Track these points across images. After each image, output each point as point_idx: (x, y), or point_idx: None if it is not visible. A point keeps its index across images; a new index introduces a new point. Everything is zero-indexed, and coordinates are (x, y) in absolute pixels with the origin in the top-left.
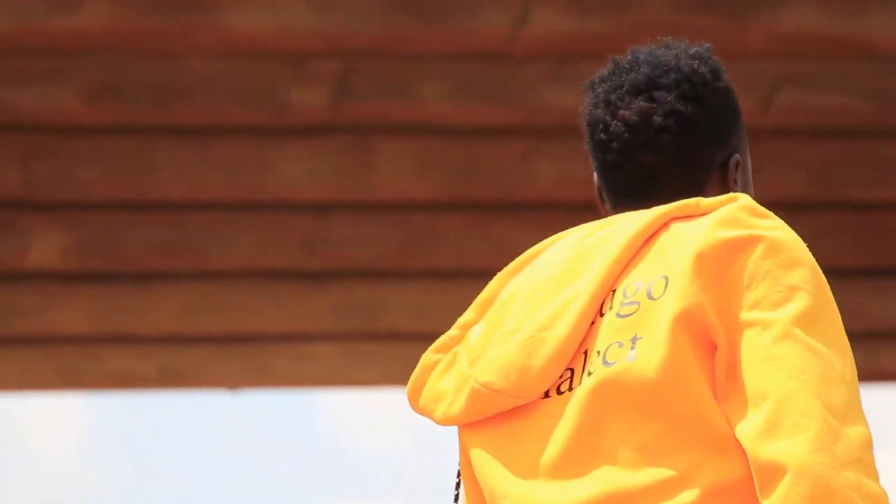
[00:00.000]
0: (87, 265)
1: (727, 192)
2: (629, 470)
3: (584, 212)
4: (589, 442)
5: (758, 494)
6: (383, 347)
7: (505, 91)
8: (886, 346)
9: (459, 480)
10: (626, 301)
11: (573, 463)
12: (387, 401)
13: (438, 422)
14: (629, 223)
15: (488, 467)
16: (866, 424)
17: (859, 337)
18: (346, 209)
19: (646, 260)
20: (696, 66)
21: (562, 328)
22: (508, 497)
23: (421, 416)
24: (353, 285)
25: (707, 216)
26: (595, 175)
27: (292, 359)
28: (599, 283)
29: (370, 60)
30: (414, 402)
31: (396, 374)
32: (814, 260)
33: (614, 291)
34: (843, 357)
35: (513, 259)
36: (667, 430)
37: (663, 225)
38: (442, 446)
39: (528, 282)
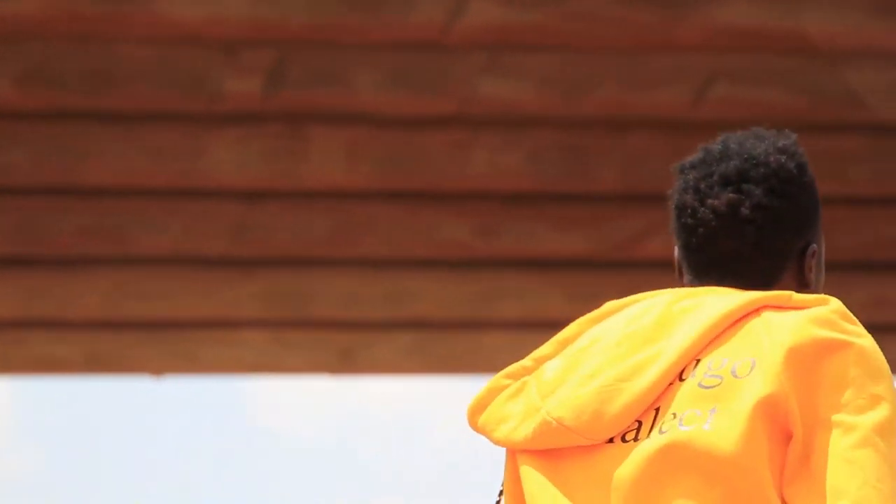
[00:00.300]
0: (14, 250)
1: (803, 278)
2: None
3: (516, 203)
4: (647, 494)
5: None
6: (311, 335)
7: (439, 81)
8: None
9: (500, 499)
10: (710, 374)
11: None
12: (314, 388)
13: (496, 442)
14: (722, 301)
15: (543, 494)
16: None
17: None
18: (276, 197)
19: (734, 339)
20: (783, 160)
21: (642, 383)
22: None
23: (468, 427)
24: (282, 273)
25: (800, 311)
26: (676, 251)
27: (219, 345)
28: (685, 350)
29: (303, 49)
30: (475, 418)
31: (324, 361)
32: (890, 371)
33: (698, 361)
34: None
35: (449, 252)
36: (725, 499)
37: (755, 310)
38: (368, 431)
39: (610, 332)
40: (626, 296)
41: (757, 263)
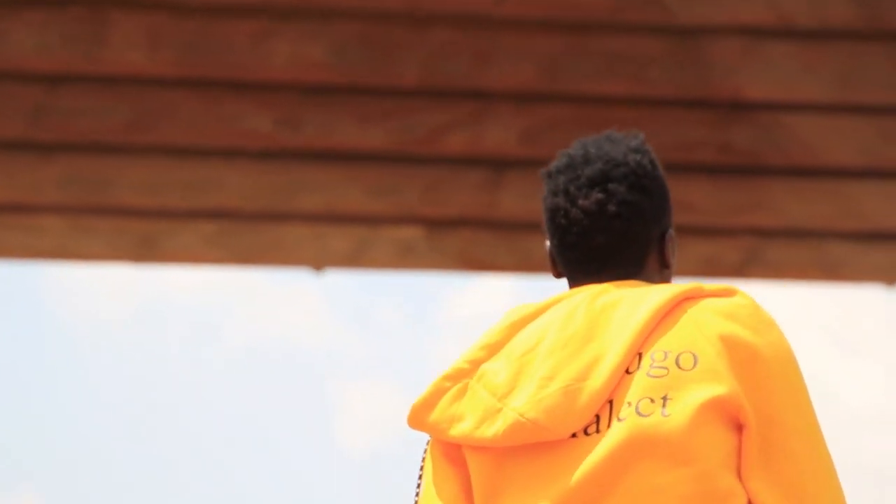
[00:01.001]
0: None
1: (664, 259)
2: (643, 501)
3: (319, 95)
4: (611, 477)
5: None
6: (111, 222)
7: None
8: None
9: (419, 491)
10: (656, 365)
11: (594, 491)
12: (111, 275)
13: (452, 438)
14: (645, 299)
15: (506, 491)
16: None
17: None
18: (76, 81)
19: (669, 334)
20: (639, 159)
21: (598, 380)
22: None
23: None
24: (82, 158)
25: (719, 303)
26: (549, 247)
27: (17, 231)
28: (628, 347)
29: None
30: (422, 417)
31: (123, 248)
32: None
33: (640, 355)
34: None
35: (251, 143)
36: (684, 480)
37: (677, 304)
38: (167, 320)
39: (548, 335)
40: (426, 190)
41: (626, 252)
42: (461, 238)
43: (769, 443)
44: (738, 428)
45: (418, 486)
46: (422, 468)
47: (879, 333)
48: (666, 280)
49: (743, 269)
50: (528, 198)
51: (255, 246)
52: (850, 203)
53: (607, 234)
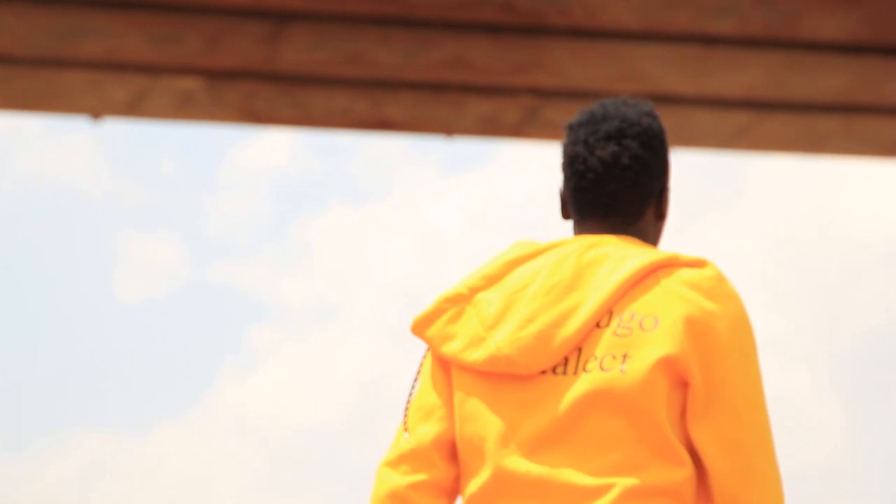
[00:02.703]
0: None
1: (660, 211)
2: (595, 447)
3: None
4: (572, 421)
5: None
6: None
7: None
8: (390, 96)
9: (415, 385)
10: (622, 326)
11: (552, 433)
12: None
13: (442, 354)
14: (626, 262)
15: (481, 409)
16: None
17: (366, 85)
18: None
19: (639, 298)
20: (650, 122)
21: (569, 329)
22: (497, 436)
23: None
24: None
25: (689, 272)
26: (564, 191)
27: None
28: (601, 304)
29: None
30: (421, 329)
31: None
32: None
33: (611, 313)
34: (769, 416)
35: None
36: (634, 428)
37: (652, 271)
38: None
39: (537, 278)
40: (207, 41)
41: (630, 200)
42: (241, 90)
43: (716, 400)
44: (684, 385)
45: (413, 385)
46: (418, 371)
47: None
48: (659, 229)
49: (521, 128)
50: (310, 51)
51: (32, 92)
52: (629, 66)
53: (618, 183)
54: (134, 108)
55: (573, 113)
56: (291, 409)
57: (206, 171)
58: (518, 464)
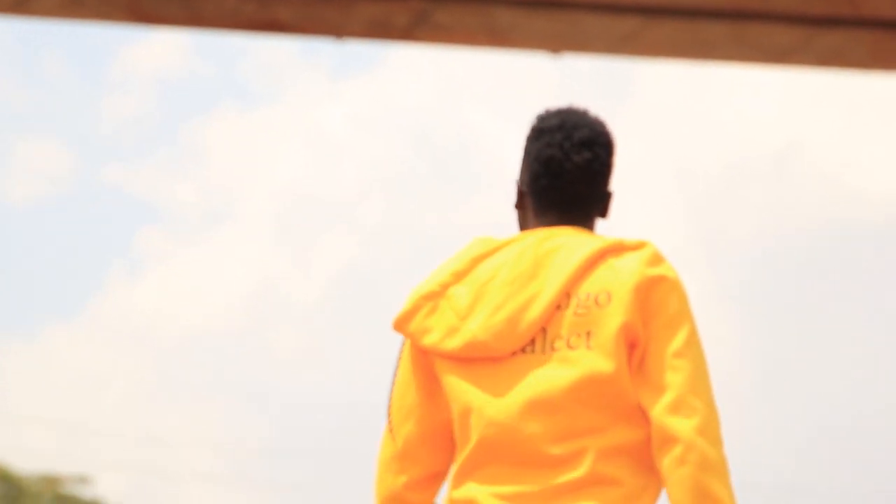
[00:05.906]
0: None
1: (604, 211)
2: (568, 415)
3: None
4: (544, 393)
5: (654, 450)
6: None
7: None
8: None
9: (395, 376)
10: (581, 306)
11: (529, 405)
12: None
13: (424, 346)
14: (578, 250)
15: (464, 389)
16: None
17: None
18: None
19: (592, 278)
20: (609, 131)
21: (534, 312)
22: (479, 410)
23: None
24: None
25: (632, 254)
26: (522, 184)
27: None
28: (560, 288)
29: None
30: (402, 325)
31: None
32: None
33: (569, 295)
34: (706, 363)
35: None
36: (603, 395)
37: (601, 256)
38: None
39: (502, 271)
40: None
41: (588, 201)
42: None
43: (660, 358)
44: (635, 346)
45: (392, 380)
46: (398, 359)
47: (543, 103)
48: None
49: (411, 31)
50: None
51: None
52: None
53: (586, 185)
54: (19, 5)
55: (464, 17)
56: (180, 312)
57: (95, 73)
58: (499, 433)
